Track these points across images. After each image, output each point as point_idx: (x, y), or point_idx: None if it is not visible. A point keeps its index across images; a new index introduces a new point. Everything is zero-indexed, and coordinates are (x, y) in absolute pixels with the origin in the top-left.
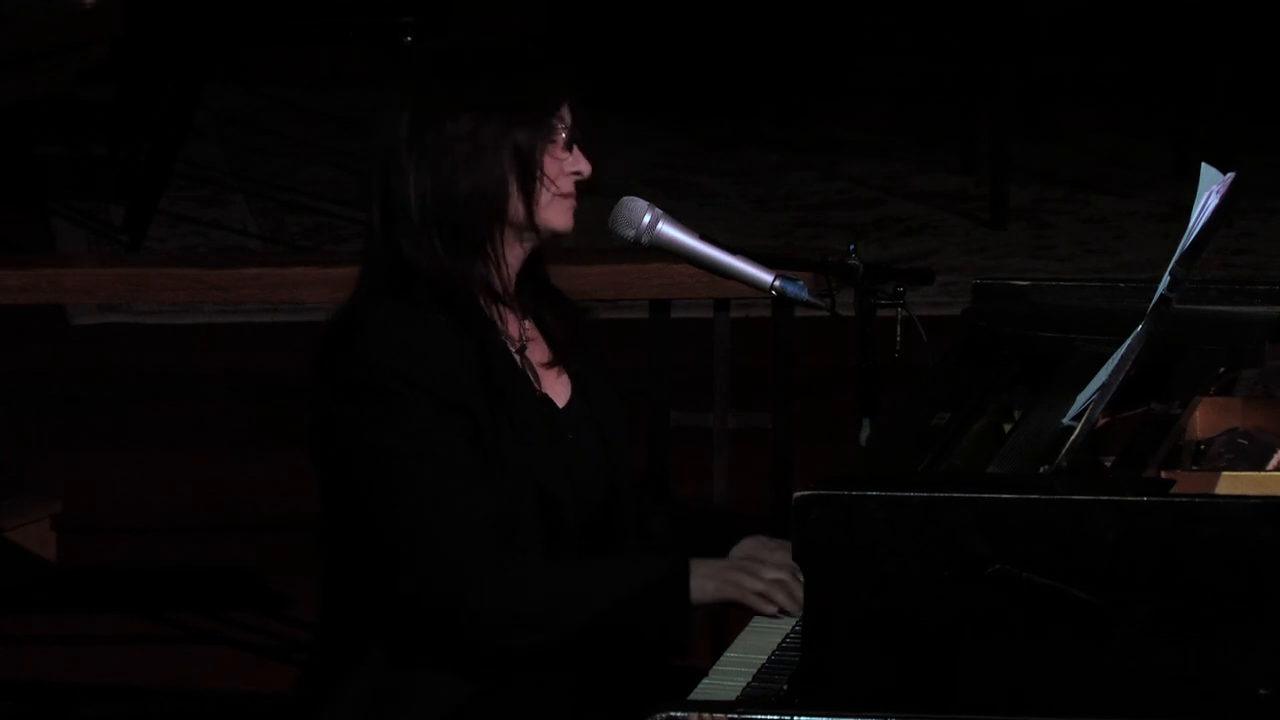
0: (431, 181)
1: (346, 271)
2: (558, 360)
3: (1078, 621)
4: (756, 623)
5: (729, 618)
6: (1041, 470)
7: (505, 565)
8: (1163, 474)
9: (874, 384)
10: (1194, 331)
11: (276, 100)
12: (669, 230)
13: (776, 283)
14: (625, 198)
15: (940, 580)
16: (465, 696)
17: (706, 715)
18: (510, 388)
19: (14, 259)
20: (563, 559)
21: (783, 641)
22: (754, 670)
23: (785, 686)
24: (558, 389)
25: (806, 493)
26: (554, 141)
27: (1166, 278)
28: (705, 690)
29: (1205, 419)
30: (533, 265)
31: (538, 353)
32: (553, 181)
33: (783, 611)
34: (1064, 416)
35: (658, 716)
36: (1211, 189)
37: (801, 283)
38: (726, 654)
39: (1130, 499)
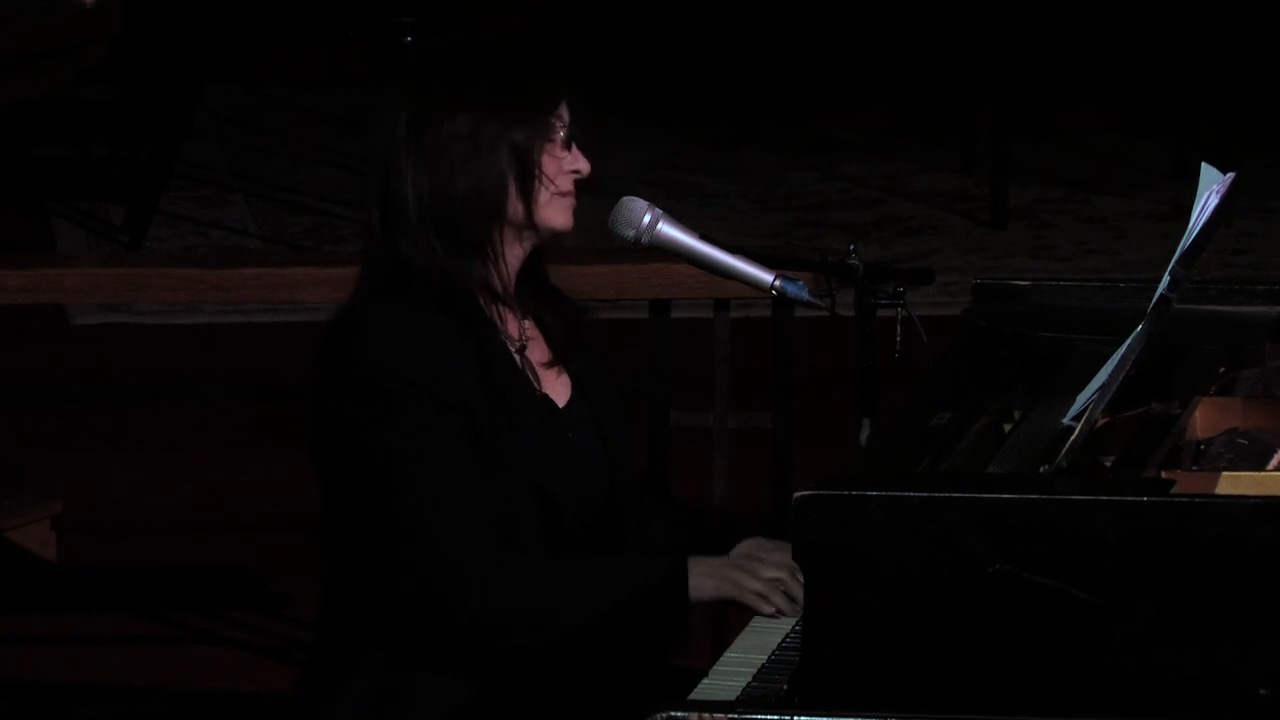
0: (429, 181)
1: (346, 271)
2: (558, 360)
3: (1078, 621)
4: (756, 623)
5: (729, 618)
6: (1041, 470)
7: (505, 565)
8: (1163, 474)
9: (874, 384)
10: (1194, 331)
11: (276, 100)
12: (669, 230)
13: (776, 283)
14: (625, 198)
15: (940, 580)
16: (465, 696)
17: (706, 715)
18: (510, 387)
19: (14, 259)
20: (562, 559)
21: (783, 641)
22: (754, 670)
23: (785, 686)
24: (558, 389)
25: (806, 493)
26: (552, 140)
27: (1166, 278)
28: (705, 690)
29: (1205, 419)
30: (532, 265)
31: (537, 352)
32: (551, 180)
33: (779, 612)
34: (1064, 416)
35: (658, 716)
36: (1211, 189)
37: (801, 283)
38: (726, 654)
39: (1130, 499)
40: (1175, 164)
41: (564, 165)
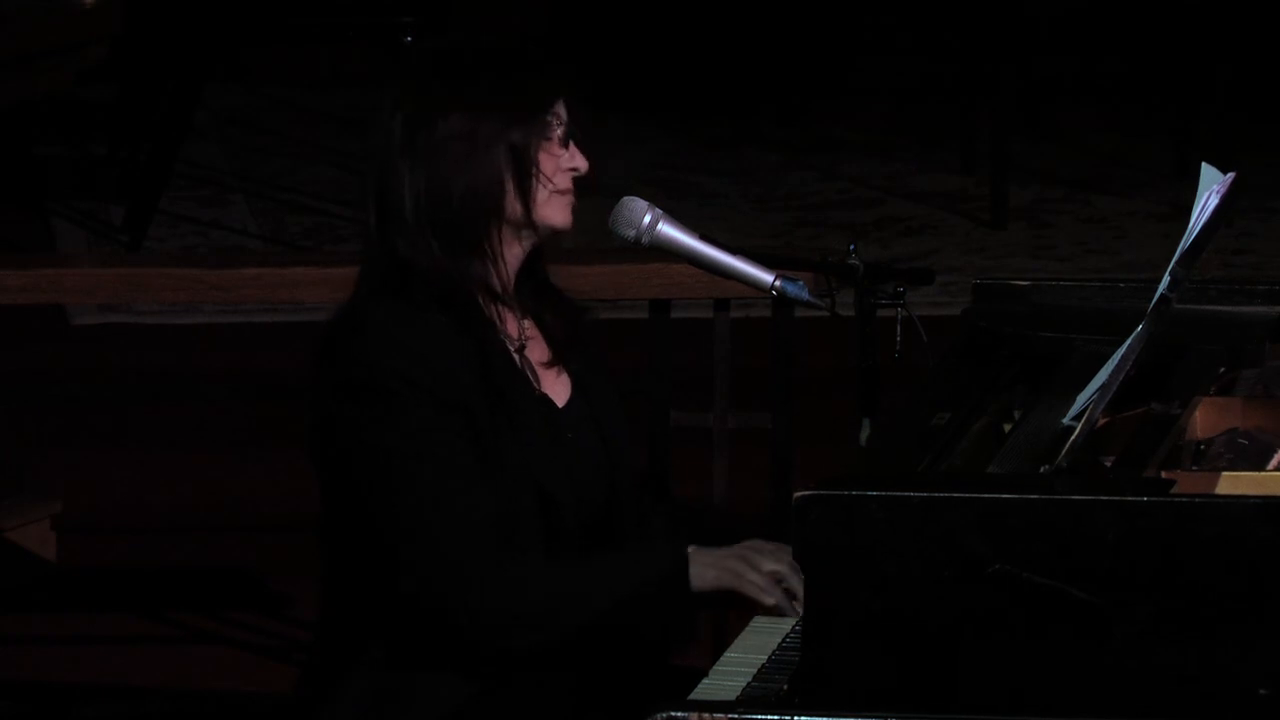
0: (426, 181)
1: (346, 271)
2: (557, 360)
3: (1078, 621)
4: (756, 623)
5: (729, 617)
6: (1041, 470)
7: (505, 565)
8: (1163, 474)
9: (874, 384)
10: (1194, 331)
11: (276, 100)
12: (669, 230)
13: (776, 283)
14: (625, 198)
15: (940, 580)
16: (465, 696)
17: (706, 715)
18: (510, 387)
19: (14, 259)
20: (562, 558)
21: (783, 641)
22: (754, 670)
23: (785, 686)
24: (557, 388)
25: (806, 493)
26: (549, 139)
27: (1166, 278)
28: (705, 690)
29: (1205, 419)
30: (532, 264)
31: (537, 352)
32: (549, 179)
33: (779, 607)
34: (1064, 416)
35: (658, 716)
36: (1211, 189)
37: (801, 283)
38: (726, 654)
39: (1130, 499)
40: (1175, 164)
41: (562, 163)
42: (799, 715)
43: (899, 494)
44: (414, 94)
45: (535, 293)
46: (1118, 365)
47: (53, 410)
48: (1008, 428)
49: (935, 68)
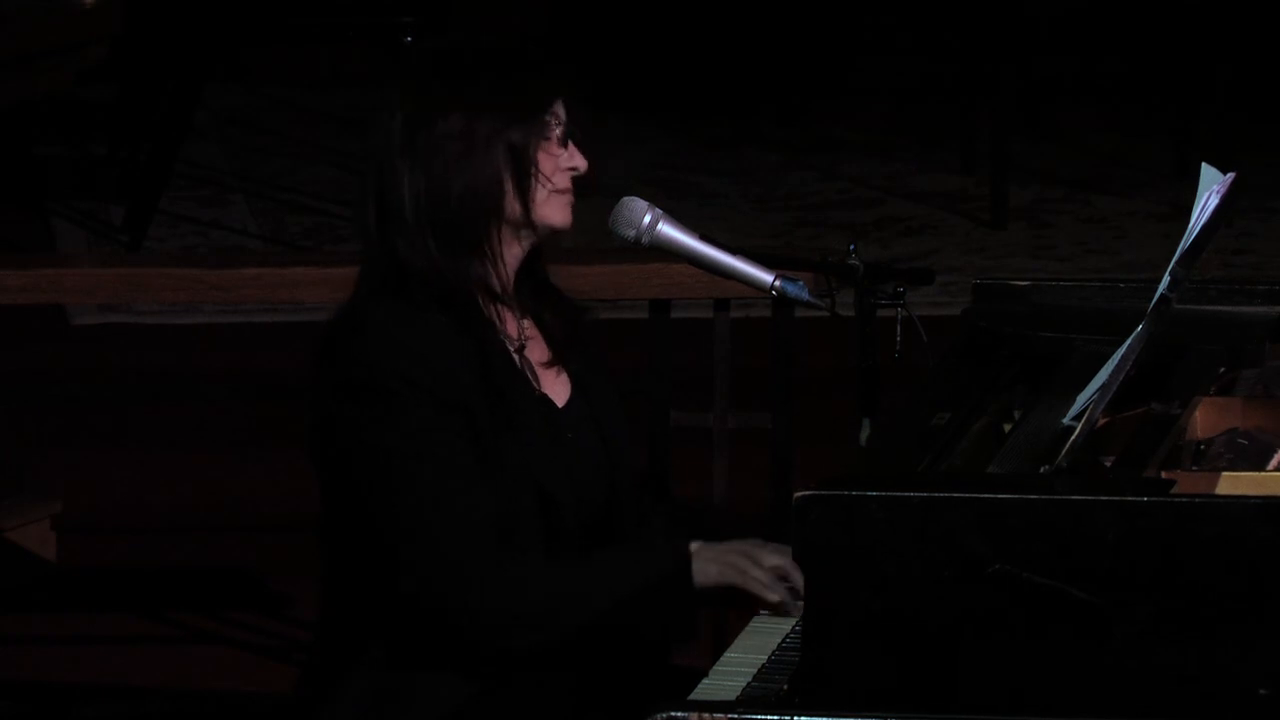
0: (425, 181)
1: (346, 271)
2: (557, 359)
3: (1078, 621)
4: (756, 623)
5: (729, 617)
6: (1041, 470)
7: (505, 565)
8: (1163, 474)
9: (874, 384)
10: (1194, 331)
11: (276, 100)
12: (669, 230)
13: (776, 283)
14: (625, 198)
15: (940, 580)
16: (465, 696)
17: (706, 715)
18: (510, 387)
19: (14, 259)
20: (563, 558)
21: (783, 641)
22: (754, 670)
23: (785, 686)
24: (557, 388)
25: (806, 493)
26: (548, 138)
27: (1166, 278)
28: (705, 690)
29: (1205, 419)
30: (531, 264)
31: (537, 352)
32: (548, 178)
33: (782, 603)
34: (1064, 416)
35: (658, 716)
36: (1211, 189)
37: (801, 283)
38: (726, 654)
39: (1130, 499)
40: (1175, 164)
41: (561, 163)
42: (799, 715)
43: (899, 494)
44: (413, 94)
45: (535, 292)
46: (1118, 365)
47: (53, 410)
48: (1008, 428)
49: (935, 68)
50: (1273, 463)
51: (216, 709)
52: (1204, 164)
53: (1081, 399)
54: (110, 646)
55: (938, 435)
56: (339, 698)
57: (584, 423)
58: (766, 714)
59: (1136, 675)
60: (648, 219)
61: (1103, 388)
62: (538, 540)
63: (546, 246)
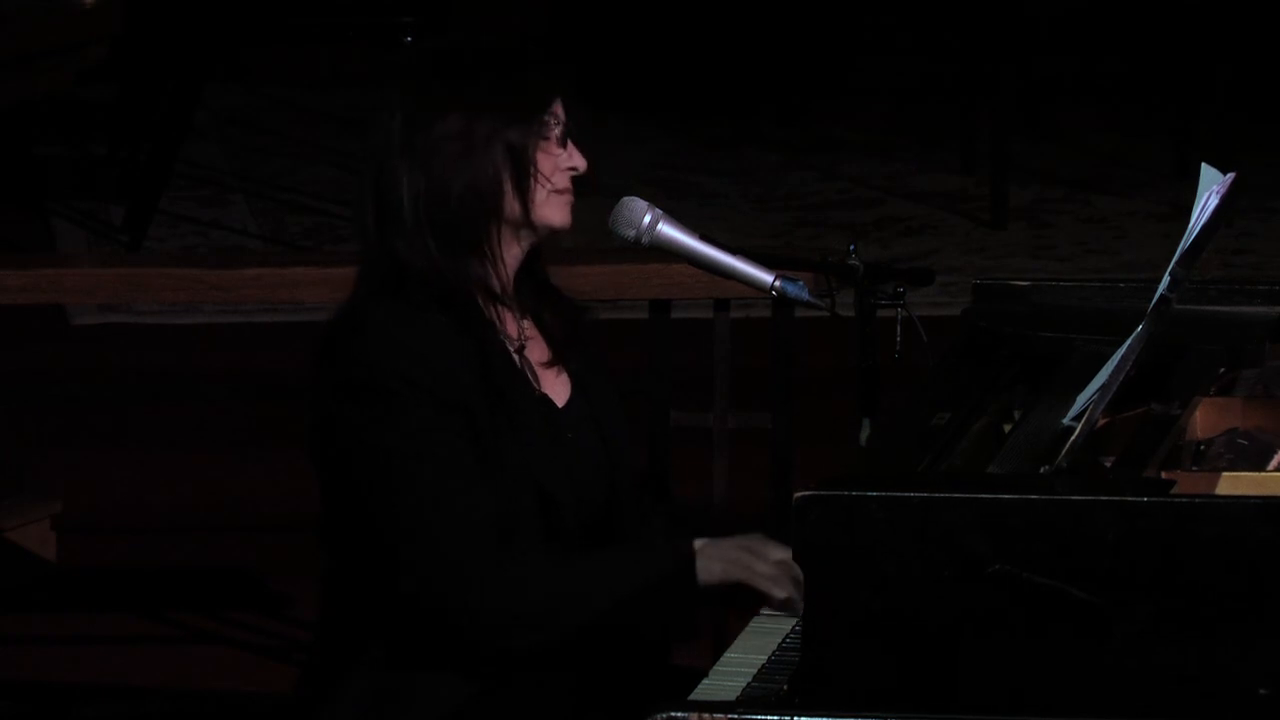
0: (424, 182)
1: (346, 271)
2: (557, 359)
3: (1078, 621)
4: (756, 623)
5: (729, 617)
6: (1041, 470)
7: (505, 565)
8: (1163, 474)
9: (874, 384)
10: (1194, 331)
11: (276, 100)
12: (669, 230)
13: (776, 283)
14: (625, 198)
15: (940, 580)
16: (465, 696)
17: (706, 715)
18: (510, 387)
19: (14, 259)
20: (564, 556)
21: (783, 641)
22: (754, 670)
23: (785, 686)
24: (557, 388)
25: (806, 493)
26: (547, 138)
27: (1166, 278)
28: (705, 690)
29: (1205, 419)
30: (531, 264)
31: (537, 352)
32: (547, 178)
33: (789, 600)
34: (1064, 416)
35: (658, 716)
36: (1211, 189)
37: (801, 283)
38: (726, 654)
39: (1130, 499)
40: (1175, 164)
41: (560, 162)
42: (799, 715)
43: (899, 494)
44: (412, 94)
45: (534, 292)
46: (1118, 365)
47: (53, 410)
48: (1008, 428)
49: (935, 68)
50: (1273, 463)
51: (216, 709)
52: (1204, 164)
53: (1081, 399)
54: (110, 646)
55: (938, 435)
56: (339, 698)
57: (584, 423)
58: (766, 714)
59: (1136, 675)
60: (648, 219)
61: (1103, 388)
62: (538, 540)
63: (546, 246)
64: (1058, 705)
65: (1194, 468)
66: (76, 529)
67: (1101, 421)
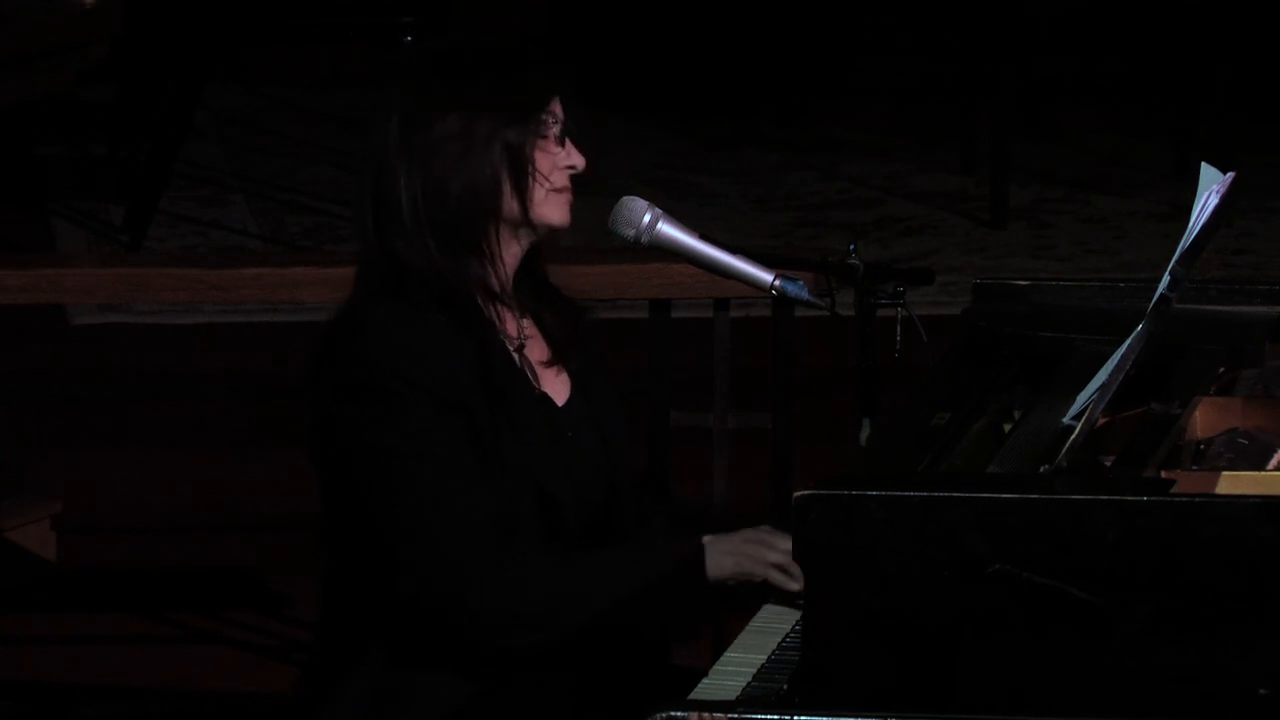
0: (423, 182)
1: (346, 271)
2: (557, 359)
3: (1078, 621)
4: (756, 623)
5: (729, 617)
6: (1041, 470)
7: (505, 565)
8: (1163, 474)
9: (874, 384)
10: (1194, 331)
11: (276, 100)
12: (669, 230)
13: (776, 283)
14: (625, 198)
15: (940, 580)
16: (465, 696)
17: (706, 715)
18: (509, 387)
19: (14, 259)
20: (565, 556)
21: (783, 641)
22: (754, 670)
23: (785, 686)
24: (557, 387)
25: (806, 493)
26: (545, 137)
27: (1166, 278)
28: (705, 690)
29: (1205, 419)
30: (530, 263)
31: (536, 351)
32: (546, 177)
33: (801, 594)
34: (1064, 416)
35: (658, 716)
36: (1211, 189)
37: (801, 283)
38: (726, 654)
39: (1130, 499)
40: (1175, 164)
41: (559, 161)
42: (799, 715)
43: (899, 494)
44: (410, 94)
45: (534, 292)
46: (1118, 365)
47: (53, 410)
48: (1008, 428)
49: (935, 68)
50: (1273, 463)
51: (216, 709)
52: (1204, 164)
53: (1081, 399)
54: (110, 646)
55: (938, 435)
56: (339, 698)
57: (584, 422)
58: (766, 714)
59: (1136, 675)
60: (648, 219)
61: (1103, 388)
62: (538, 540)
63: (545, 245)
64: (1058, 705)
65: (1194, 467)
66: (76, 529)
67: (1101, 421)
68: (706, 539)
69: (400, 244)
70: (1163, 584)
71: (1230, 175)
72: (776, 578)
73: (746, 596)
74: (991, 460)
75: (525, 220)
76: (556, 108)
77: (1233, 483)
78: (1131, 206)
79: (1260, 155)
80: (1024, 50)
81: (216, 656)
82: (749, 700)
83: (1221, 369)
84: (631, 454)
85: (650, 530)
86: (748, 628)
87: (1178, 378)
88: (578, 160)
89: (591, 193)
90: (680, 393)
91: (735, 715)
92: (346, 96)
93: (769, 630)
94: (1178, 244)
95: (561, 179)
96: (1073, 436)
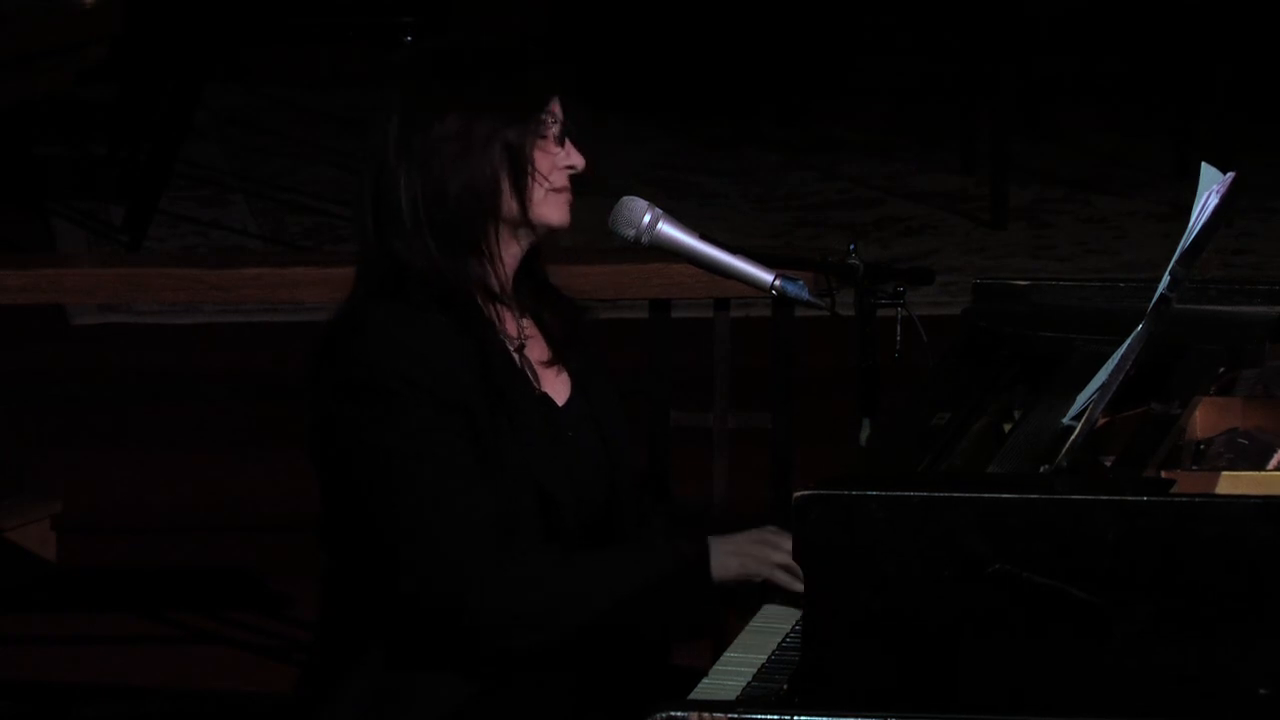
0: (422, 182)
1: (346, 271)
2: (557, 359)
3: (1078, 621)
4: (756, 623)
5: (729, 617)
6: (1041, 470)
7: (505, 565)
8: (1163, 474)
9: (874, 384)
10: (1194, 331)
11: (276, 100)
12: (669, 230)
13: (776, 282)
14: (625, 197)
15: (940, 580)
16: (465, 696)
17: (706, 715)
18: (510, 387)
19: (14, 259)
20: (565, 556)
21: (783, 641)
22: (754, 670)
23: (785, 686)
24: (557, 387)
25: (806, 493)
26: (544, 137)
27: (1166, 278)
28: (705, 690)
29: (1205, 419)
30: (530, 263)
31: (536, 351)
32: (545, 177)
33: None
34: (1064, 416)
35: (658, 716)
36: (1211, 189)
37: (801, 283)
38: (726, 654)
39: (1130, 499)
40: (1175, 164)
41: (558, 161)
42: (799, 715)
43: (899, 494)
44: (411, 94)
45: (534, 292)
46: (1118, 365)
47: (53, 410)
48: (1008, 428)
49: (935, 68)
50: (1273, 463)
51: (216, 709)
52: (1204, 164)
53: (1081, 399)
54: (110, 646)
55: (938, 435)
56: (339, 698)
57: (584, 422)
58: (766, 714)
59: (1136, 675)
60: (648, 219)
61: (1103, 388)
62: (538, 540)
63: (545, 245)
64: (1058, 705)
65: (1194, 467)
66: (76, 529)
67: (1101, 421)
68: (711, 540)
69: (400, 244)
70: (1163, 584)
71: (1230, 175)
72: (782, 578)
73: (746, 596)
74: (991, 460)
75: (525, 220)
76: (556, 108)
77: (1233, 483)
78: (1131, 206)
79: (1260, 155)
80: (1024, 50)
81: (216, 656)
82: (749, 700)
83: (1221, 369)
84: (631, 454)
85: (650, 530)
86: (748, 628)
87: (1178, 378)
88: (577, 160)
89: (591, 193)
90: (680, 393)
91: (735, 715)
92: (346, 96)
93: (769, 630)
94: (1178, 244)
95: (561, 179)
96: (1073, 436)
